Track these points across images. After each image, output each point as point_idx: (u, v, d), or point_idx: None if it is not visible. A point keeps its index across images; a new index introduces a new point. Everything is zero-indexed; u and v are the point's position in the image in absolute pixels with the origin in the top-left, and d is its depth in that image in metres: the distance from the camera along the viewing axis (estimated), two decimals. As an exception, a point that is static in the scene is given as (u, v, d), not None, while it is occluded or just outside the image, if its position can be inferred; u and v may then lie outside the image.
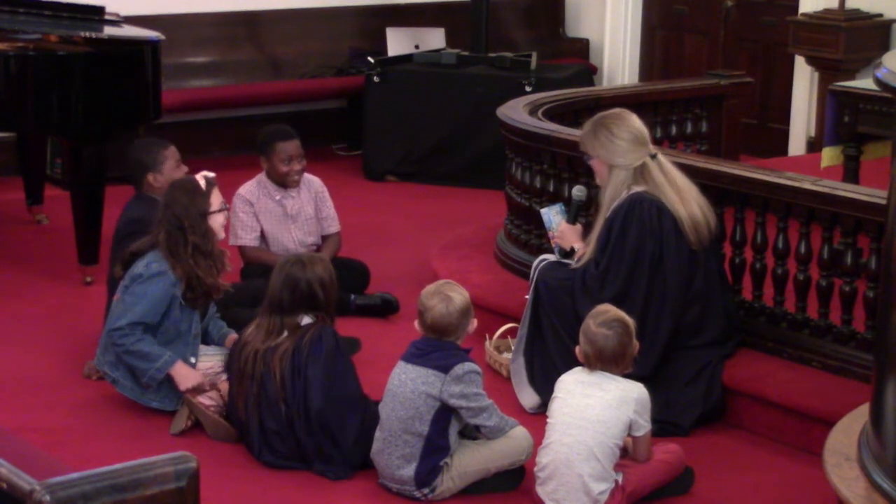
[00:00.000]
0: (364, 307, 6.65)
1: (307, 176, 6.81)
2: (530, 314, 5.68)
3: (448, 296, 4.89)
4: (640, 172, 5.50)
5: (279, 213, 6.70)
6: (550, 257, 5.82)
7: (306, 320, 5.14)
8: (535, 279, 5.70)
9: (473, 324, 4.97)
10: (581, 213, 5.90)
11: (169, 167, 6.15)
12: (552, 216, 5.94)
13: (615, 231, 5.47)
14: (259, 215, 6.68)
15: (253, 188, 6.73)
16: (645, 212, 5.44)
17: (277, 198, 6.70)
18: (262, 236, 6.72)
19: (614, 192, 5.51)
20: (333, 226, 6.88)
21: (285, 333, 5.13)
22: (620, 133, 5.50)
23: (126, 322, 5.42)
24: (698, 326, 5.51)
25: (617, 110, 5.69)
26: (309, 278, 5.12)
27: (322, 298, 5.13)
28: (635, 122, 5.56)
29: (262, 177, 6.75)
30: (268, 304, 5.19)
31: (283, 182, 6.69)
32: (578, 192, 5.89)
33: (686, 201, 5.48)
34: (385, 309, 6.67)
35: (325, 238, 6.85)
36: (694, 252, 5.46)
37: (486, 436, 4.95)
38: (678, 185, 5.51)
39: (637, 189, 5.48)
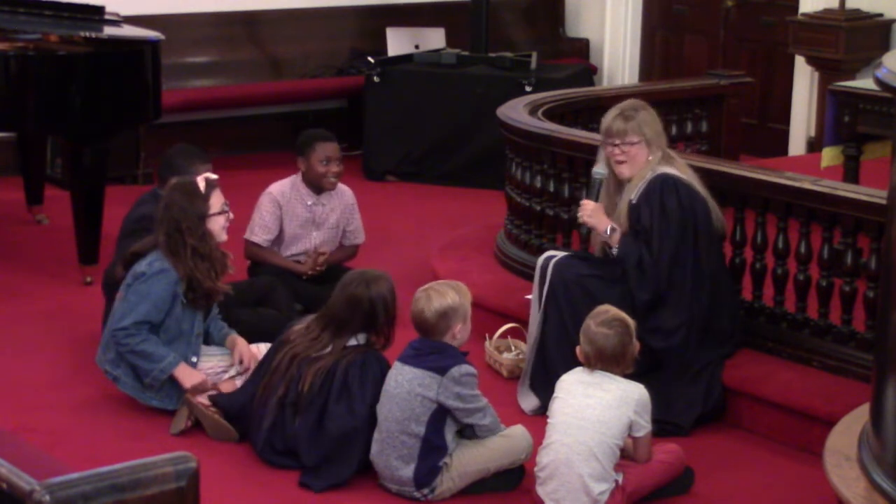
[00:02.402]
0: None
1: (342, 186, 6.73)
2: (541, 315, 5.64)
3: (429, 294, 4.90)
4: (666, 158, 5.56)
5: (306, 218, 6.61)
6: (558, 254, 5.76)
7: (353, 342, 5.13)
8: (549, 278, 5.62)
9: (458, 328, 4.90)
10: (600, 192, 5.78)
11: None
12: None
13: (656, 212, 5.45)
14: (284, 218, 6.59)
15: (286, 190, 6.62)
16: (681, 190, 5.46)
17: (309, 203, 6.61)
18: (279, 235, 6.66)
19: (641, 178, 5.52)
20: (359, 238, 6.82)
21: (329, 349, 5.11)
22: (656, 116, 5.60)
23: (131, 321, 5.42)
24: (708, 320, 5.51)
25: (635, 99, 5.75)
26: (372, 297, 5.09)
27: (382, 318, 5.11)
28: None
29: (296, 179, 6.65)
30: (324, 316, 5.18)
31: (319, 184, 6.58)
32: (600, 170, 5.67)
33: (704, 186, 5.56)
34: None
35: (341, 247, 6.76)
36: (719, 238, 5.55)
37: (478, 435, 4.94)
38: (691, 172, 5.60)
39: (661, 170, 5.50)
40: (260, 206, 6.62)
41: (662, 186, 5.47)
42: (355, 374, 5.02)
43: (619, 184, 5.61)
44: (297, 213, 6.62)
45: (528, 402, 5.62)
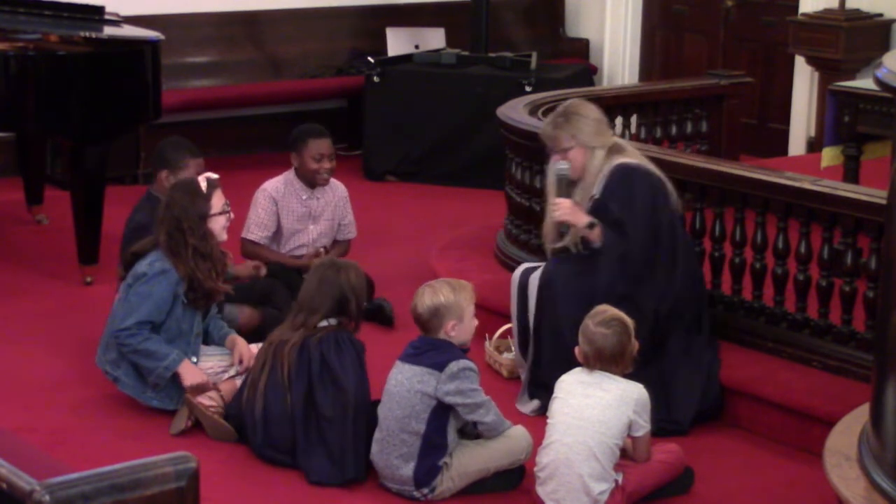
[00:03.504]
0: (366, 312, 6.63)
1: (334, 181, 6.79)
2: (534, 326, 5.63)
3: (423, 291, 4.94)
4: (614, 150, 5.58)
5: (302, 212, 6.67)
6: (534, 266, 5.73)
7: (324, 323, 5.17)
8: (537, 289, 5.61)
9: (450, 326, 4.90)
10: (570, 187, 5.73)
11: (187, 174, 6.07)
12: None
13: (624, 203, 5.47)
14: (281, 213, 6.64)
15: (280, 186, 6.68)
16: (638, 174, 5.51)
17: (304, 198, 6.67)
18: (277, 232, 6.69)
19: (595, 175, 5.55)
20: (351, 232, 6.88)
21: (301, 331, 5.17)
22: (591, 115, 5.62)
23: (133, 321, 5.42)
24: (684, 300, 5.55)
25: (573, 100, 5.82)
26: (342, 283, 5.17)
27: (353, 305, 5.18)
28: (594, 105, 5.71)
29: (290, 175, 6.70)
30: (297, 303, 5.26)
31: (312, 180, 6.64)
32: (563, 165, 5.62)
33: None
34: (378, 314, 6.62)
35: (336, 242, 6.84)
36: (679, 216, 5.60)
37: (483, 434, 4.95)
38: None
39: (616, 161, 5.54)
40: (255, 203, 6.65)
41: (622, 176, 5.51)
42: (329, 349, 5.07)
43: (572, 181, 5.63)
44: (293, 208, 6.66)
45: (528, 406, 5.61)
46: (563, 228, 5.62)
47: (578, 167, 5.56)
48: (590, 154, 5.55)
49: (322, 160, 6.63)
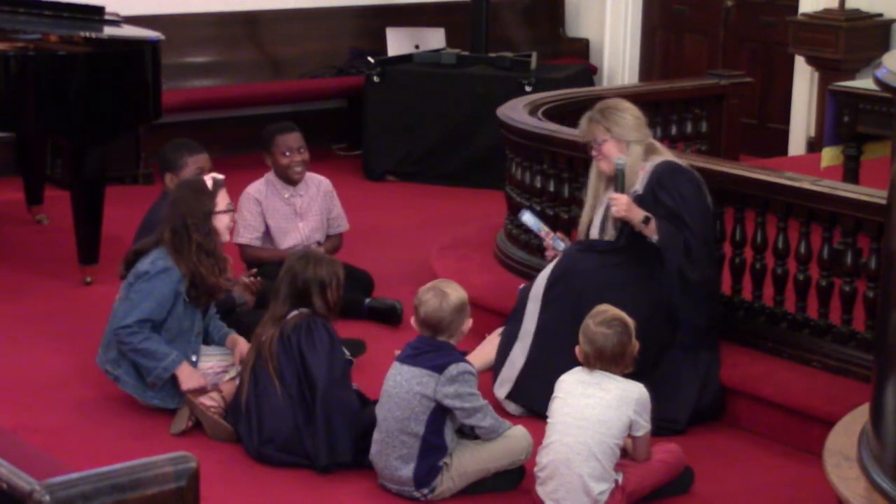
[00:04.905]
0: (374, 310, 6.65)
1: (316, 176, 6.84)
2: (536, 326, 5.63)
3: (443, 291, 4.90)
4: (651, 150, 5.61)
5: (288, 211, 6.73)
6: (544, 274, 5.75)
7: (296, 312, 5.21)
8: (553, 275, 5.60)
9: (468, 324, 4.95)
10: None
11: (188, 173, 6.09)
12: (533, 217, 5.92)
13: (675, 196, 5.49)
14: (266, 213, 6.70)
15: (261, 187, 6.76)
16: (686, 173, 5.55)
17: (286, 196, 6.73)
18: (269, 233, 6.73)
19: (633, 170, 5.53)
20: (342, 225, 6.94)
21: (277, 322, 5.21)
22: (628, 110, 5.61)
23: (134, 319, 5.43)
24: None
25: (610, 98, 5.82)
26: (307, 277, 5.19)
27: (318, 299, 5.19)
28: (631, 104, 5.70)
29: (270, 175, 6.78)
30: (272, 294, 5.32)
31: (288, 176, 6.70)
32: (621, 161, 5.49)
33: None
34: (390, 315, 6.66)
35: (327, 237, 6.87)
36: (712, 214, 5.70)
37: (481, 437, 4.95)
38: None
39: (658, 159, 5.58)
40: (240, 207, 6.70)
41: (671, 171, 5.54)
42: (301, 335, 5.12)
43: (608, 179, 5.64)
44: (277, 207, 6.72)
45: (511, 407, 5.60)
46: (617, 224, 5.56)
47: (612, 159, 5.54)
48: (625, 148, 5.53)
49: (292, 153, 6.69)
